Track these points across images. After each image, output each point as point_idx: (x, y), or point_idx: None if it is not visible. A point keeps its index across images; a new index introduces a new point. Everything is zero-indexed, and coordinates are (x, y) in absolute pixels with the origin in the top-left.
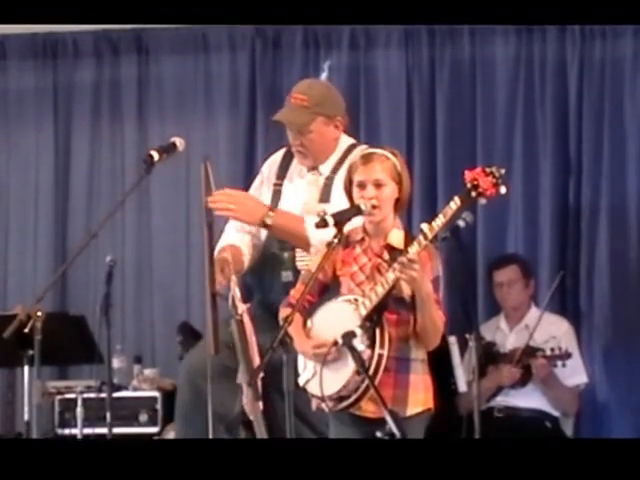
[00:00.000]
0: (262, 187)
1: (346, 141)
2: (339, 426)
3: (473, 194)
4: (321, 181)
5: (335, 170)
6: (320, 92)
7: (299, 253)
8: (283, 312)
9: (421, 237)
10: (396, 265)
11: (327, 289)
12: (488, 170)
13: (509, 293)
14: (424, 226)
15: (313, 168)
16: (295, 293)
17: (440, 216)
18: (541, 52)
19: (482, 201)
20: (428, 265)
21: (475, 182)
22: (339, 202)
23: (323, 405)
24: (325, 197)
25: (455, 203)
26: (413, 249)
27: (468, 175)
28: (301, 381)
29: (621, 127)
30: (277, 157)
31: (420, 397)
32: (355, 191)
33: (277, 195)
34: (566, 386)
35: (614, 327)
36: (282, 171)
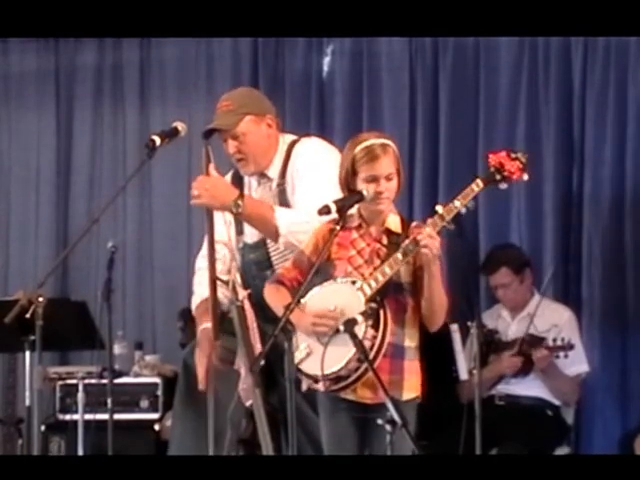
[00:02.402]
0: (224, 216)
1: (287, 139)
2: (333, 414)
3: (497, 177)
4: (274, 187)
5: (283, 174)
6: (242, 94)
7: (277, 267)
8: (269, 288)
9: (436, 218)
10: (428, 229)
11: (317, 271)
12: (513, 155)
13: (506, 294)
14: (439, 208)
15: (262, 175)
16: (285, 272)
17: (460, 197)
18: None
19: (503, 186)
20: None
21: (500, 166)
22: (298, 206)
23: (316, 385)
24: (284, 204)
25: (477, 185)
26: (427, 230)
27: (493, 159)
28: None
29: (625, 111)
30: None
31: (414, 382)
32: (360, 183)
33: (239, 221)
34: (567, 376)
35: (614, 314)
36: None
